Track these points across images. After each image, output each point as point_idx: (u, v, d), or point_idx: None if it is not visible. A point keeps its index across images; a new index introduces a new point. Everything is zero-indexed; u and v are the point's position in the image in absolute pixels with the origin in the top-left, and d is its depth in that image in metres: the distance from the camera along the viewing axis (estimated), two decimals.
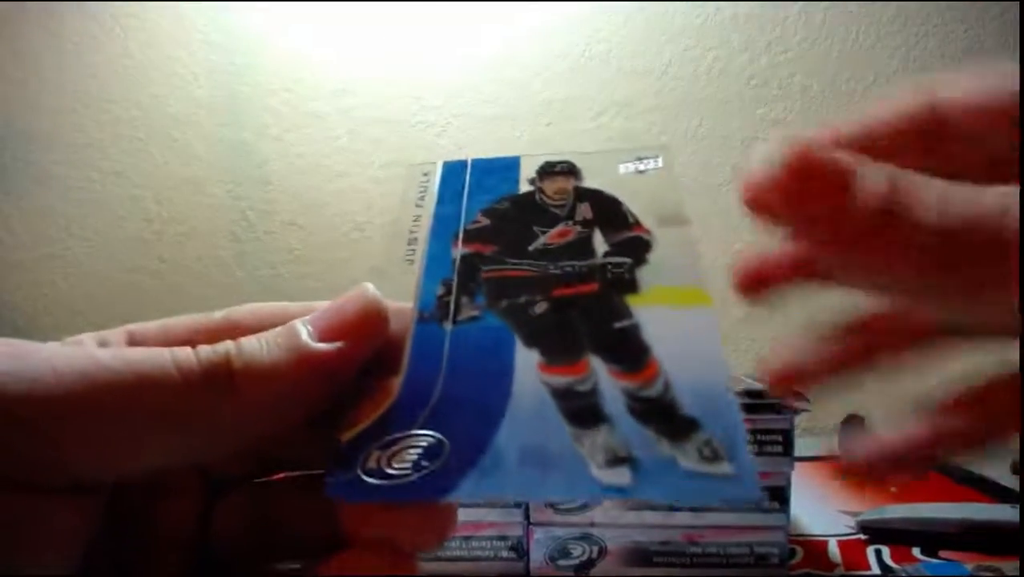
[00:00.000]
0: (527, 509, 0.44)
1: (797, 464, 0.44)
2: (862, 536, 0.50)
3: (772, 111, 0.88)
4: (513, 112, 0.87)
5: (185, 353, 0.17)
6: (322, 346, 0.18)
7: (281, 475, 0.22)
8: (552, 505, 0.44)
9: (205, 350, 0.17)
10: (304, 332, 0.18)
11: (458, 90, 0.87)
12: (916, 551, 0.47)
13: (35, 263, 0.88)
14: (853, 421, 0.72)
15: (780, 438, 0.43)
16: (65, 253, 0.88)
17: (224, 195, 0.88)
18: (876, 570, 0.45)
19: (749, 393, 0.44)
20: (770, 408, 0.43)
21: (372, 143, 0.88)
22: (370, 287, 0.19)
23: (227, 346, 0.17)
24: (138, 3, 0.87)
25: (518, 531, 0.45)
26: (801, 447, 0.53)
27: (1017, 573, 0.43)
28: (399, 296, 0.23)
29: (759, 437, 0.43)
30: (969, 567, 0.44)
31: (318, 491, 0.17)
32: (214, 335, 0.19)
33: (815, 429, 0.87)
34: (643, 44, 0.88)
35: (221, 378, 0.17)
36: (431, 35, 0.87)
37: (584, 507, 0.44)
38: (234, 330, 0.19)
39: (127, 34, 0.87)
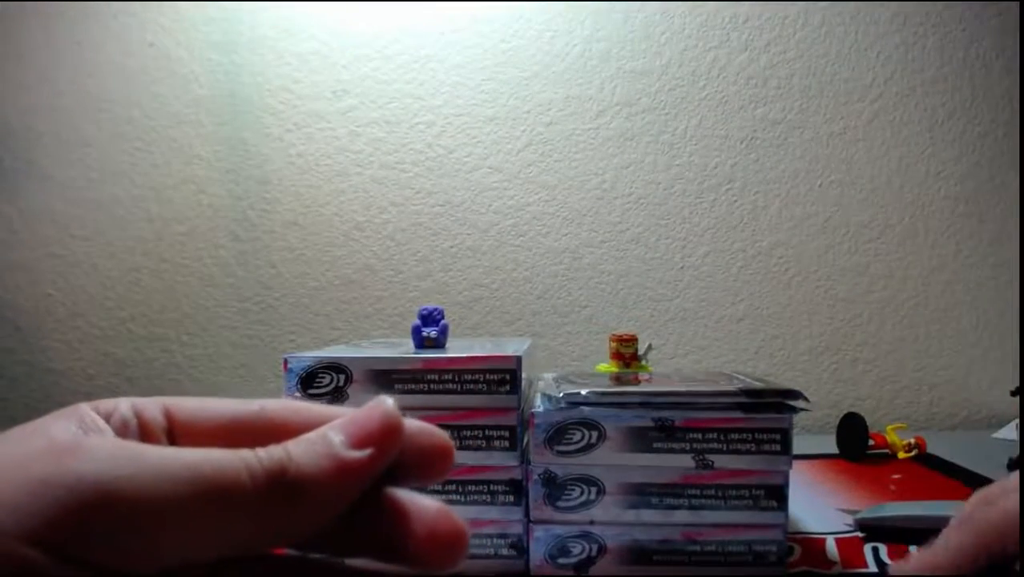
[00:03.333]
0: (527, 507, 0.45)
1: (795, 462, 0.44)
2: (859, 534, 0.50)
3: (772, 111, 0.88)
4: (513, 112, 0.88)
5: (253, 458, 0.20)
6: (355, 454, 0.20)
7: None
8: (552, 505, 0.44)
9: (264, 457, 0.20)
10: (338, 441, 0.21)
11: (458, 90, 0.88)
12: (913, 549, 0.47)
13: (35, 263, 0.88)
14: (851, 420, 0.72)
15: (778, 437, 0.43)
16: (65, 253, 0.88)
17: (224, 195, 0.88)
18: (873, 568, 0.45)
19: (747, 392, 0.44)
20: (769, 408, 0.43)
21: (372, 143, 0.88)
22: (388, 400, 0.22)
23: (280, 453, 0.20)
24: (138, 3, 0.87)
25: (518, 529, 0.45)
26: (800, 446, 0.53)
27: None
28: None
29: (757, 436, 0.43)
30: None
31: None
32: (254, 429, 0.22)
33: (813, 428, 0.87)
34: (643, 44, 0.88)
35: (280, 484, 0.19)
36: (431, 35, 0.87)
37: (585, 504, 0.44)
38: (270, 425, 0.22)
39: (127, 34, 0.87)
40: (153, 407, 0.22)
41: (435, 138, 0.88)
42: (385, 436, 0.21)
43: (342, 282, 0.88)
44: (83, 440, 0.20)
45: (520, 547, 0.45)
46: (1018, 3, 0.87)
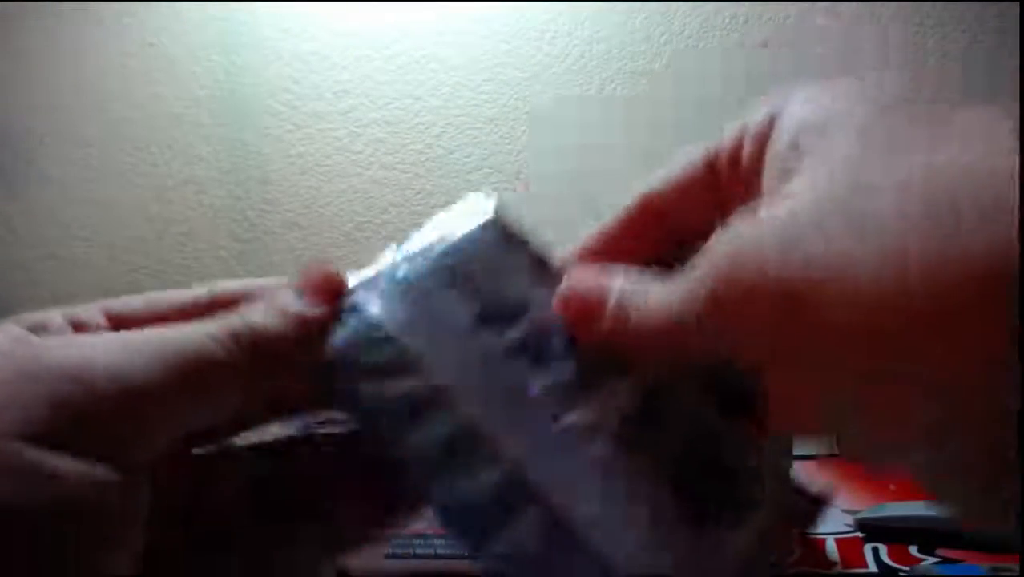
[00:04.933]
0: None
1: (795, 462, 0.44)
2: (860, 534, 0.50)
3: None
4: (513, 113, 0.88)
5: (212, 327, 0.20)
6: (313, 309, 0.22)
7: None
8: None
9: (223, 323, 0.20)
10: (296, 299, 0.22)
11: (459, 91, 0.88)
12: (913, 549, 0.47)
13: (35, 263, 0.88)
14: None
15: (778, 437, 0.43)
16: (65, 253, 0.88)
17: (224, 195, 0.88)
18: (873, 568, 0.45)
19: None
20: None
21: (372, 143, 0.88)
22: (324, 262, 0.23)
23: (241, 317, 0.21)
24: (138, 3, 0.87)
25: None
26: (799, 445, 0.53)
27: None
28: None
29: None
30: (984, 568, 0.44)
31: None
32: (203, 311, 0.22)
33: None
34: (643, 44, 0.88)
35: (248, 343, 0.20)
36: (431, 35, 0.87)
37: None
38: (215, 305, 0.22)
39: (127, 34, 0.87)
40: (91, 311, 0.22)
41: (435, 139, 0.88)
42: (334, 291, 0.23)
43: None
44: (32, 339, 0.20)
45: None
46: (1018, 3, 0.87)
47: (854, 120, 0.18)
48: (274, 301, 0.22)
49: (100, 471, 0.17)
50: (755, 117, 0.20)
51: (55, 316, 0.21)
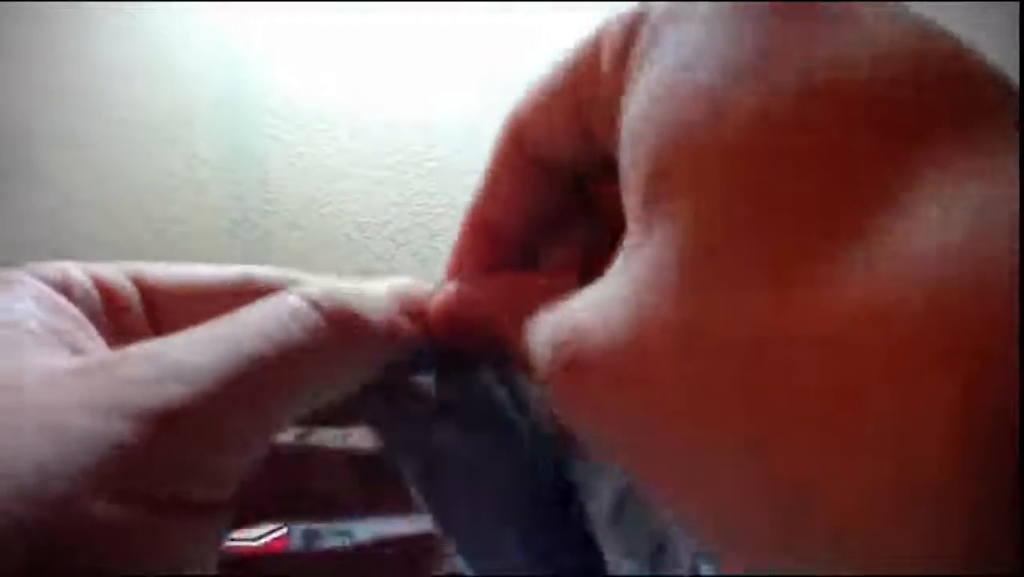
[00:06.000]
0: None
1: None
2: None
3: None
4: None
5: (304, 312, 0.17)
6: (407, 323, 0.19)
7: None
8: None
9: (319, 301, 0.17)
10: (393, 306, 0.20)
11: (459, 91, 0.88)
12: None
13: (35, 263, 0.88)
14: None
15: None
16: (65, 253, 0.88)
17: (224, 195, 0.88)
18: None
19: None
20: None
21: (373, 144, 0.88)
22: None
23: (339, 295, 0.18)
24: (138, 3, 0.87)
25: None
26: None
27: None
28: None
29: None
30: None
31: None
32: (241, 293, 0.20)
33: None
34: None
35: (345, 324, 0.18)
36: (432, 35, 0.87)
37: None
38: (258, 290, 0.20)
39: (127, 34, 0.87)
40: (116, 273, 0.19)
41: (436, 139, 0.88)
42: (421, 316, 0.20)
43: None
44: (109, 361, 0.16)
45: None
46: (1018, 3, 0.87)
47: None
48: (383, 298, 0.19)
49: (173, 526, 0.15)
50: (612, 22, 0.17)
51: (77, 273, 0.18)
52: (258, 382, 0.15)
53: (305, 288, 0.18)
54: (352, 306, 0.18)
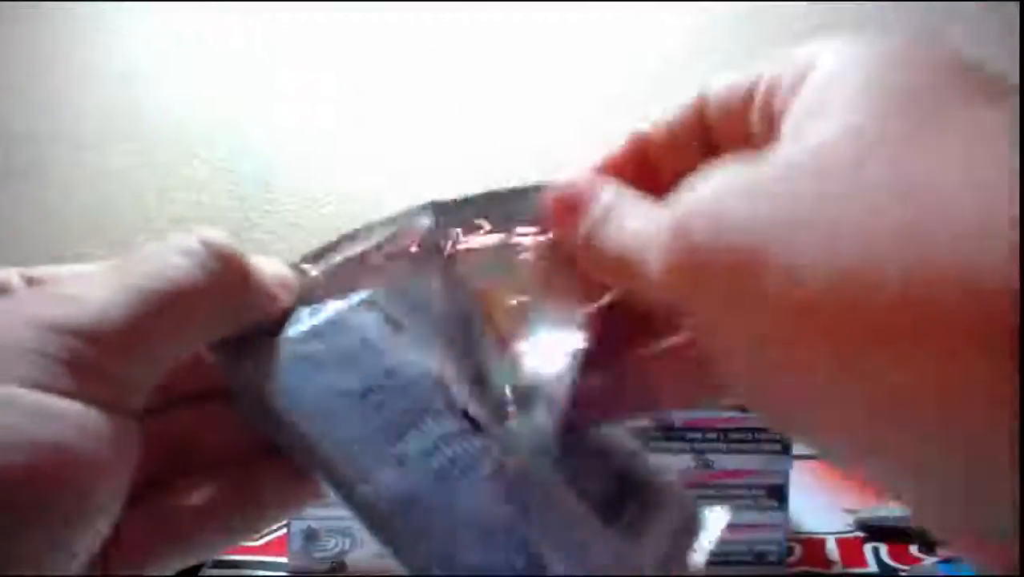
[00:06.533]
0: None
1: (796, 462, 0.44)
2: (860, 534, 0.50)
3: None
4: (515, 114, 0.88)
5: (195, 248, 0.21)
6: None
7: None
8: None
9: (210, 240, 0.22)
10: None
11: (461, 91, 0.88)
12: (913, 549, 0.47)
13: (35, 263, 0.88)
14: None
15: (779, 436, 0.43)
16: (65, 253, 0.88)
17: (224, 195, 0.88)
18: (874, 568, 0.45)
19: None
20: None
21: (374, 144, 0.88)
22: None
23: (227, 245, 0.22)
24: (137, 3, 0.87)
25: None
26: (800, 445, 0.53)
27: None
28: None
29: (757, 435, 0.43)
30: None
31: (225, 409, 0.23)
32: None
33: None
34: (643, 44, 0.88)
35: (233, 267, 0.22)
36: (433, 36, 0.87)
37: None
38: None
39: (127, 34, 0.87)
40: (41, 271, 0.24)
41: (437, 139, 0.88)
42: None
43: None
44: (18, 291, 0.22)
45: None
46: (1018, 3, 0.87)
47: (884, 91, 0.16)
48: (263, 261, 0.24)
49: (95, 414, 0.17)
50: (774, 67, 0.19)
51: (12, 275, 0.24)
52: (149, 301, 0.19)
53: (204, 231, 0.22)
54: (239, 253, 0.22)
